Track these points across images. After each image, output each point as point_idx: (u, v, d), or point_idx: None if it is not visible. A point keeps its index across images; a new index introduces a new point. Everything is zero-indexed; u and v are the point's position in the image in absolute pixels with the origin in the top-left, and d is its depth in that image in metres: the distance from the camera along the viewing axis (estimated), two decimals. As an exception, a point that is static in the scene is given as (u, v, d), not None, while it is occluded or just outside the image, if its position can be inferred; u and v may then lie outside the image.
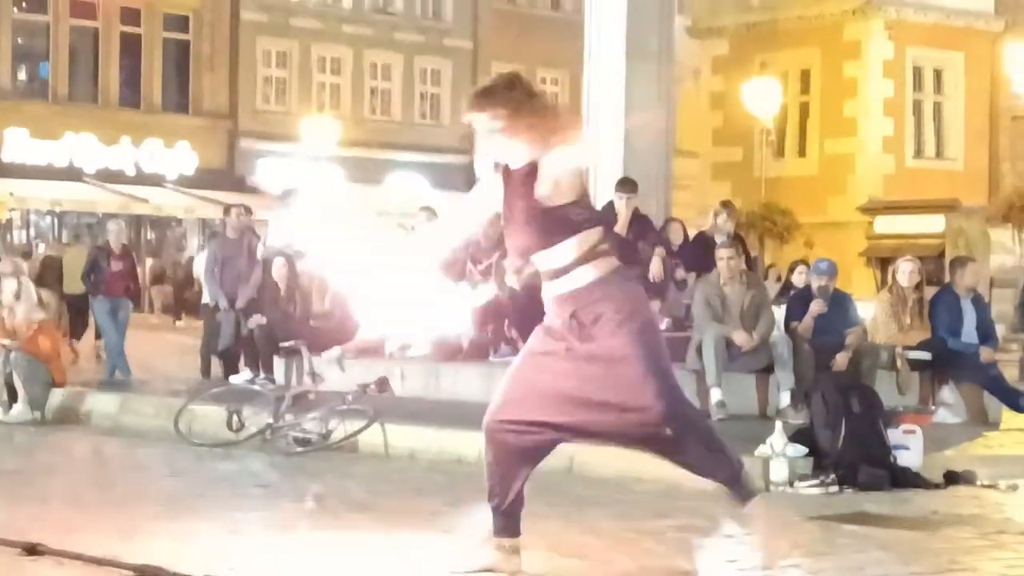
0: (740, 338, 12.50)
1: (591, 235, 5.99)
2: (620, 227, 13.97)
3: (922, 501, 9.19)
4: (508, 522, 6.17)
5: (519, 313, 13.38)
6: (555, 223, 5.95)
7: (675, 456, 6.12)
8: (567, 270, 5.98)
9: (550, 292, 6.05)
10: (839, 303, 13.25)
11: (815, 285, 13.28)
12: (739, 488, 6.15)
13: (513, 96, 5.97)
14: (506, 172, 6.08)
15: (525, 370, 6.07)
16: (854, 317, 13.30)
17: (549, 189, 5.90)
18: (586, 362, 5.95)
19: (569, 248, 5.96)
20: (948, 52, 38.13)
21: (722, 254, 12.86)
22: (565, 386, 5.97)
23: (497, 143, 6.01)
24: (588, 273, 5.97)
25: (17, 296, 14.44)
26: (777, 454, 9.54)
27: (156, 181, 39.10)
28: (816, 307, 12.98)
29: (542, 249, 6.00)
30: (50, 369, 14.26)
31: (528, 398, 6.02)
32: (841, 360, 12.65)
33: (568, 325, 5.97)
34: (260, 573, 6.37)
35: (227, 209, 17.72)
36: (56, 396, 14.14)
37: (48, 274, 21.99)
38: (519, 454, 6.07)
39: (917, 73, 38.21)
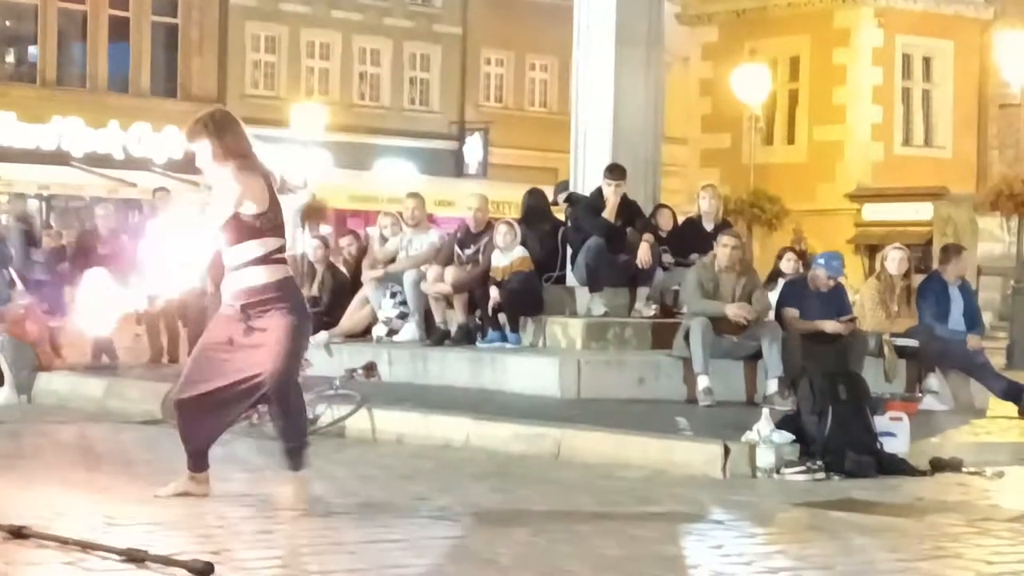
0: (733, 309, 12.41)
1: (270, 242, 7.46)
2: (608, 213, 13.95)
3: (908, 488, 9.20)
4: (199, 461, 7.87)
5: (508, 300, 13.38)
6: (241, 227, 7.39)
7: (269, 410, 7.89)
8: (245, 267, 7.44)
9: (229, 284, 7.54)
10: (835, 293, 13.21)
11: (824, 285, 13.07)
12: (296, 459, 7.66)
13: (213, 130, 7.51)
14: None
15: (202, 359, 7.68)
16: (847, 307, 13.30)
17: (232, 201, 7.39)
18: (245, 349, 7.48)
19: (250, 248, 7.43)
20: (937, 40, 38.11)
21: (725, 241, 12.80)
22: (226, 369, 7.54)
23: (208, 164, 7.53)
24: (261, 275, 7.44)
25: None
26: (764, 440, 9.54)
27: (144, 165, 38.95)
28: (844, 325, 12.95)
29: (232, 246, 7.43)
30: (37, 353, 14.24)
31: (205, 380, 7.61)
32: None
33: (238, 315, 7.47)
34: (246, 558, 6.36)
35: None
36: (42, 380, 14.11)
37: None
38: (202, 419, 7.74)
39: (906, 61, 38.20)
